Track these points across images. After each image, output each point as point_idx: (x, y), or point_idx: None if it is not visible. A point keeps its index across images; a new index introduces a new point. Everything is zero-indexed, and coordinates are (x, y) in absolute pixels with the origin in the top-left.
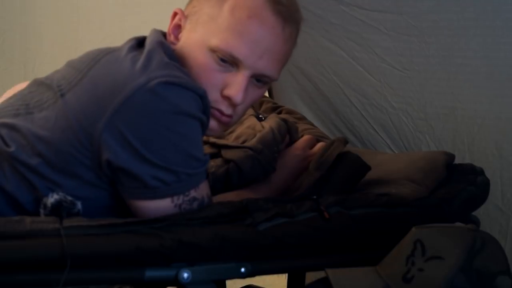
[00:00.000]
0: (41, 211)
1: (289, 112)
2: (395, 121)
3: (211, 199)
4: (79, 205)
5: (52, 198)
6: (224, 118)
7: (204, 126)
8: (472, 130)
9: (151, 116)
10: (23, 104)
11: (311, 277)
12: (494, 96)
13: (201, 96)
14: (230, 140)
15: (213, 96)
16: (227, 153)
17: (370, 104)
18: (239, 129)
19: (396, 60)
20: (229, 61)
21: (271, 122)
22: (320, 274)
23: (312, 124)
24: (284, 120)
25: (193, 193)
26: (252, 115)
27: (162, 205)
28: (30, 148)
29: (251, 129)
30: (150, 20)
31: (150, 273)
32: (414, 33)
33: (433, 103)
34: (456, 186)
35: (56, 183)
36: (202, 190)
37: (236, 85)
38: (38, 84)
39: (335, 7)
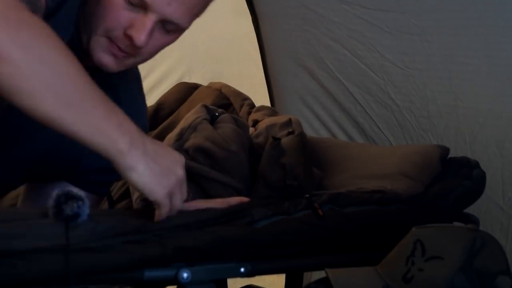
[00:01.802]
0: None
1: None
2: (399, 118)
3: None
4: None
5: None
6: (120, 54)
7: None
8: (473, 128)
9: None
10: None
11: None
12: (495, 95)
13: None
14: (190, 152)
15: (116, 33)
16: (208, 188)
17: (374, 101)
18: (195, 140)
19: (398, 58)
20: (136, 4)
21: (227, 131)
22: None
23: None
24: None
25: None
26: (204, 119)
27: None
28: None
29: (211, 143)
30: None
31: (149, 273)
32: (416, 32)
33: (435, 101)
34: (451, 181)
35: None
36: None
37: (140, 26)
38: None
39: (337, 6)
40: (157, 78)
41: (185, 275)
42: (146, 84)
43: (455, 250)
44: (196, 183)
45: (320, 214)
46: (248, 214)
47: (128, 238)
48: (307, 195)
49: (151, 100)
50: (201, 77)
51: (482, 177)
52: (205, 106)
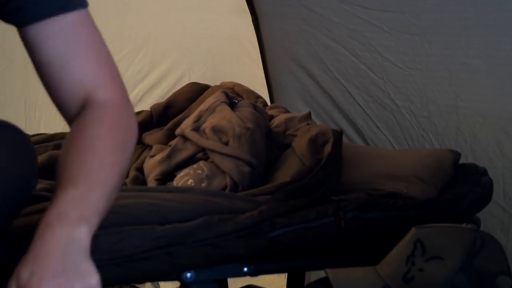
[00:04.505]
0: None
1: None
2: (399, 118)
3: None
4: None
5: None
6: None
7: None
8: (474, 128)
9: None
10: None
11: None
12: (495, 95)
13: None
14: (206, 131)
15: None
16: (221, 163)
17: (374, 102)
18: (212, 119)
19: (398, 58)
20: None
21: (245, 113)
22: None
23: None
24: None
25: None
26: (223, 102)
27: None
28: None
29: (228, 122)
30: (150, 19)
31: None
32: (416, 32)
33: (436, 101)
34: (463, 188)
35: None
36: None
37: None
38: None
39: (336, 6)
40: (157, 77)
41: (188, 274)
42: (146, 83)
43: (455, 250)
44: (211, 161)
45: (341, 226)
46: (269, 224)
47: (139, 256)
48: (336, 199)
49: (151, 99)
50: (201, 76)
51: (490, 184)
52: (225, 93)
